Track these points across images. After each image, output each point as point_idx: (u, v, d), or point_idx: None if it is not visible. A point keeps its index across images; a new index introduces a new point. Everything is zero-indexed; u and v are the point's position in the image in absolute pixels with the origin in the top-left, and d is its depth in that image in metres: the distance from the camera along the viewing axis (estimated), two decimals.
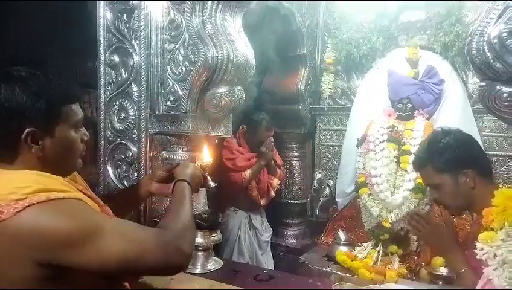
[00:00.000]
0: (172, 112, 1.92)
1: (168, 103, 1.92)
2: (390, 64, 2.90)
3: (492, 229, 1.10)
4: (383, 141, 2.65)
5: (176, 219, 1.10)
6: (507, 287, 0.99)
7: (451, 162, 1.41)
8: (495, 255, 1.05)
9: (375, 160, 2.64)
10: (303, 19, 3.19)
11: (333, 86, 3.32)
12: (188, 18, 1.81)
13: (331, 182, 3.29)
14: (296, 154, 3.57)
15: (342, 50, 3.20)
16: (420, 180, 2.46)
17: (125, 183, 1.92)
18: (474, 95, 2.76)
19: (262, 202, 3.04)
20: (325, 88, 3.34)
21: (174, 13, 1.87)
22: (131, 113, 1.95)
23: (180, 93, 1.87)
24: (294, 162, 3.55)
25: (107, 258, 0.90)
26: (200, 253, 1.75)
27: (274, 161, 3.09)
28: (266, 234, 3.08)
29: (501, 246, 1.04)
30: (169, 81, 1.90)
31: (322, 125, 3.46)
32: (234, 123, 2.30)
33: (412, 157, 2.53)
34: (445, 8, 2.78)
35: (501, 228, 1.07)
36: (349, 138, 3.05)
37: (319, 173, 3.35)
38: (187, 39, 1.82)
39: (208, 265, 1.76)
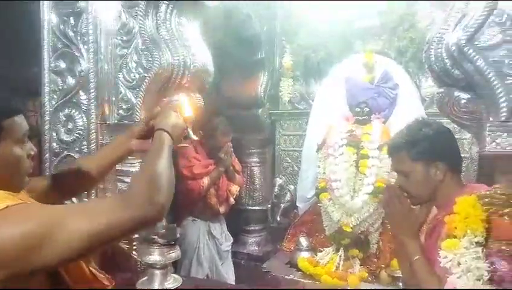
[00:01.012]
0: (125, 121, 1.81)
1: (121, 111, 1.82)
2: (348, 69, 2.94)
3: (455, 237, 1.10)
4: (342, 145, 2.67)
5: (146, 171, 1.02)
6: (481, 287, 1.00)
7: (427, 153, 1.42)
8: (459, 263, 1.05)
9: (335, 164, 2.65)
10: (261, 23, 3.16)
11: (292, 91, 3.33)
12: (141, 22, 1.71)
13: (291, 187, 3.28)
14: (256, 159, 3.53)
15: (300, 55, 3.21)
16: (379, 183, 2.50)
17: (74, 200, 1.79)
18: (427, 99, 2.87)
19: (222, 209, 2.96)
20: (284, 93, 3.33)
21: (125, 17, 1.78)
22: (80, 123, 1.83)
23: (134, 102, 1.77)
24: (254, 167, 3.51)
25: (79, 240, 0.86)
26: (157, 271, 1.65)
27: (233, 167, 3.03)
28: (226, 243, 3.00)
29: (465, 254, 1.05)
30: (122, 89, 1.80)
31: (281, 130, 3.45)
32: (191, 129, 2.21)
33: (370, 161, 2.58)
34: (399, 14, 2.85)
35: (464, 236, 1.07)
36: (309, 142, 3.05)
37: (280, 178, 3.33)
38: (140, 44, 1.73)
39: (166, 283, 1.66)
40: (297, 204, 3.14)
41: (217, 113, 3.02)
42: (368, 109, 2.76)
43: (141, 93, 1.74)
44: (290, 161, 3.45)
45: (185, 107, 1.42)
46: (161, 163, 1.03)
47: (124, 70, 1.80)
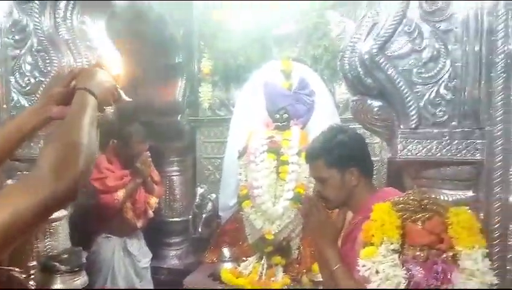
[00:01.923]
0: None
1: None
2: (266, 76, 2.94)
3: (372, 244, 1.11)
4: (263, 151, 2.66)
5: (57, 141, 0.85)
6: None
7: (342, 159, 1.45)
8: (377, 272, 1.05)
9: (256, 171, 2.63)
10: (177, 25, 3.04)
11: (212, 97, 3.25)
12: (37, 20, 1.52)
13: (213, 195, 3.19)
14: (176, 168, 3.38)
15: (218, 60, 3.15)
16: (299, 189, 2.53)
17: None
18: (340, 105, 2.99)
19: (139, 224, 2.77)
20: (203, 99, 3.25)
21: (18, 14, 1.56)
22: None
23: None
24: (174, 177, 3.36)
25: None
26: None
27: (151, 178, 2.86)
28: (144, 260, 2.81)
29: (382, 261, 1.05)
30: (14, 94, 1.57)
31: (202, 138, 3.35)
32: (103, 138, 2.03)
33: (290, 167, 2.60)
34: (313, 23, 2.93)
35: (381, 243, 1.08)
36: (231, 149, 3.00)
37: (201, 187, 3.22)
38: (36, 44, 1.53)
39: None
40: (219, 213, 3.07)
41: (131, 120, 2.82)
42: (286, 116, 2.78)
43: (37, 100, 1.53)
44: (211, 168, 3.37)
45: (114, 62, 1.18)
46: (78, 129, 0.86)
47: (17, 73, 1.58)
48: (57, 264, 1.41)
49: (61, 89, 1.09)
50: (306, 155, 1.59)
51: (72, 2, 1.50)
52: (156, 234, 3.20)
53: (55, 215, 1.67)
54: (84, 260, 1.51)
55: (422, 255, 1.07)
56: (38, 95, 1.52)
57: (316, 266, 2.29)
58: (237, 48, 3.09)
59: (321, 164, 1.48)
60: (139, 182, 2.72)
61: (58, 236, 1.61)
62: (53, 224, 1.62)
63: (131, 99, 1.16)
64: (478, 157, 1.21)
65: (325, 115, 2.85)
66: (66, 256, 1.44)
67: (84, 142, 0.84)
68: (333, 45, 2.82)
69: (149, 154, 2.80)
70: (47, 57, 1.51)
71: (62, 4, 1.50)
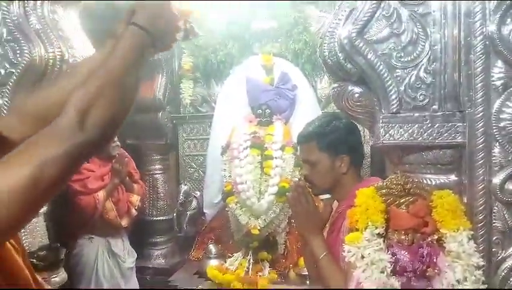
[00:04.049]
0: None
1: None
2: (247, 71, 2.92)
3: (357, 230, 1.09)
4: (246, 147, 2.64)
5: (88, 83, 0.73)
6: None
7: (335, 145, 1.46)
8: (363, 257, 1.04)
9: (240, 167, 2.61)
10: None
11: (193, 94, 3.22)
12: (5, 9, 1.45)
13: (197, 193, 3.17)
14: (158, 166, 3.32)
15: (199, 56, 3.12)
16: (284, 184, 2.52)
17: None
18: (322, 100, 2.99)
19: (124, 222, 2.71)
20: (184, 95, 3.21)
21: None
22: None
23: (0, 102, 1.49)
24: (157, 175, 3.30)
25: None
26: None
27: (131, 176, 2.80)
28: (129, 260, 2.75)
29: (367, 246, 1.04)
30: None
31: (184, 135, 3.32)
32: None
33: (274, 162, 2.59)
34: (293, 17, 2.92)
35: (366, 228, 1.06)
36: (213, 146, 2.97)
37: (185, 184, 3.20)
38: (5, 34, 1.46)
39: None
40: (204, 210, 3.04)
41: None
42: (269, 111, 2.77)
43: (8, 92, 1.47)
44: (195, 166, 3.34)
45: None
46: (116, 72, 0.75)
47: None
48: (33, 260, 1.35)
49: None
50: (298, 136, 1.59)
51: None
52: (141, 234, 3.15)
53: None
54: (62, 256, 1.45)
55: (407, 239, 1.06)
56: (9, 87, 1.45)
57: (302, 261, 2.28)
58: (217, 43, 3.06)
59: (313, 147, 1.49)
60: (117, 182, 2.66)
61: (36, 233, 1.55)
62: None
63: (202, 34, 1.01)
64: (460, 140, 1.20)
65: (308, 109, 2.85)
66: (43, 253, 1.39)
67: (121, 85, 0.75)
68: (313, 40, 2.82)
69: (126, 153, 2.74)
70: (17, 47, 1.44)
71: None
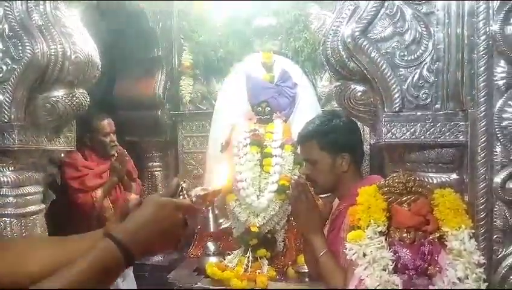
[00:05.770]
0: None
1: None
2: (248, 69, 2.91)
3: (359, 228, 1.10)
4: (246, 144, 2.64)
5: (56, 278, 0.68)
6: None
7: (335, 143, 1.47)
8: (364, 254, 1.04)
9: (239, 164, 2.61)
10: (156, 18, 2.97)
11: (193, 91, 3.21)
12: (7, 4, 1.45)
13: None
14: (158, 164, 3.33)
15: (199, 53, 3.11)
16: (283, 181, 2.52)
17: None
18: (322, 98, 2.98)
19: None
20: (184, 93, 3.20)
21: None
22: None
23: (1, 98, 1.48)
24: (156, 172, 3.31)
25: None
26: None
27: (129, 175, 2.79)
28: None
29: (369, 244, 1.04)
30: None
31: (184, 132, 3.30)
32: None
33: (274, 160, 2.59)
34: (293, 15, 2.91)
35: (368, 226, 1.07)
36: (213, 143, 2.96)
37: (184, 182, 3.16)
38: (7, 30, 1.46)
39: None
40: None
41: (100, 114, 2.68)
42: (269, 108, 2.77)
43: (10, 88, 1.46)
44: (194, 163, 3.32)
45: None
46: (79, 275, 0.68)
47: None
48: None
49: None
50: (299, 136, 1.59)
51: None
52: None
53: (33, 208, 1.62)
54: None
55: (409, 237, 1.07)
56: (11, 83, 1.45)
57: (301, 258, 2.29)
58: (217, 40, 3.05)
59: (313, 146, 1.49)
60: (115, 180, 2.65)
61: (36, 229, 1.55)
62: (31, 217, 1.56)
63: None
64: (461, 139, 1.21)
65: (308, 108, 2.85)
66: None
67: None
68: (314, 37, 2.81)
69: (125, 151, 2.73)
70: (19, 44, 1.44)
71: None
